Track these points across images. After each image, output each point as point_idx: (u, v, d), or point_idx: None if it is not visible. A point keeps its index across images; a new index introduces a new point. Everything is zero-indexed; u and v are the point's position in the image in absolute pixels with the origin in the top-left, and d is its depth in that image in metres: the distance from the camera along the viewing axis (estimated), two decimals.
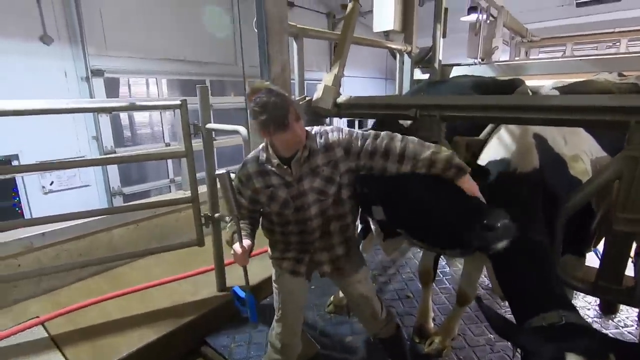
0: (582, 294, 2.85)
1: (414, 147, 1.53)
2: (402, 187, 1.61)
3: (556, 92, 2.28)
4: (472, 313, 2.72)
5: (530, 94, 2.31)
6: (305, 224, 1.65)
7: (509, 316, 1.51)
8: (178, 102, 2.50)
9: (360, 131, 1.63)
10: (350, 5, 2.65)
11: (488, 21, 5.31)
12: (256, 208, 1.73)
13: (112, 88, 5.31)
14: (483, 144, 2.06)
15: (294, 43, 2.49)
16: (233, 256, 1.61)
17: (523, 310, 1.49)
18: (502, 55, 5.91)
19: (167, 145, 6.06)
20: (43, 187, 4.66)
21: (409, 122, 2.07)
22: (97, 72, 4.92)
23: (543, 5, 7.32)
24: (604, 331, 2.52)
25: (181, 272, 3.07)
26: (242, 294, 1.77)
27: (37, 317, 2.53)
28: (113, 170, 5.29)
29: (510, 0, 5.92)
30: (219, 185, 1.63)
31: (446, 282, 3.24)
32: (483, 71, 3.89)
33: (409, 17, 3.54)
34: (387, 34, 3.67)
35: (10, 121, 3.70)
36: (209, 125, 2.55)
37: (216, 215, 2.71)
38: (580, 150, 1.85)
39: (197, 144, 2.61)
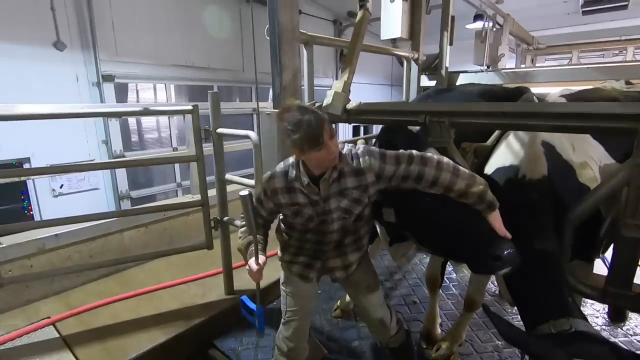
0: (590, 302, 2.84)
1: (447, 177, 1.50)
2: (420, 193, 1.60)
3: (563, 100, 2.29)
4: (480, 319, 2.71)
5: (536, 101, 2.33)
6: (324, 235, 1.68)
7: (517, 323, 1.51)
8: (190, 107, 2.55)
9: (392, 153, 1.57)
10: (360, 13, 2.69)
11: (494, 29, 5.36)
12: (273, 218, 1.77)
13: (121, 93, 5.39)
14: (491, 150, 2.09)
15: (304, 50, 2.54)
16: (248, 272, 1.64)
17: (532, 317, 1.49)
18: (508, 62, 5.94)
19: (175, 149, 6.12)
20: (53, 189, 4.71)
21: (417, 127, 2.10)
22: (108, 78, 5.00)
23: (549, 13, 7.30)
24: (613, 339, 2.50)
25: (190, 274, 3.10)
26: (252, 305, 1.77)
27: (49, 317, 2.56)
28: (121, 174, 5.35)
29: (516, 8, 5.95)
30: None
31: (453, 288, 3.23)
32: (490, 79, 3.92)
33: (416, 24, 3.60)
34: (394, 41, 3.72)
35: (24, 125, 3.75)
36: (219, 130, 2.59)
37: (225, 218, 2.75)
38: (589, 157, 1.86)
39: (206, 148, 2.65)
